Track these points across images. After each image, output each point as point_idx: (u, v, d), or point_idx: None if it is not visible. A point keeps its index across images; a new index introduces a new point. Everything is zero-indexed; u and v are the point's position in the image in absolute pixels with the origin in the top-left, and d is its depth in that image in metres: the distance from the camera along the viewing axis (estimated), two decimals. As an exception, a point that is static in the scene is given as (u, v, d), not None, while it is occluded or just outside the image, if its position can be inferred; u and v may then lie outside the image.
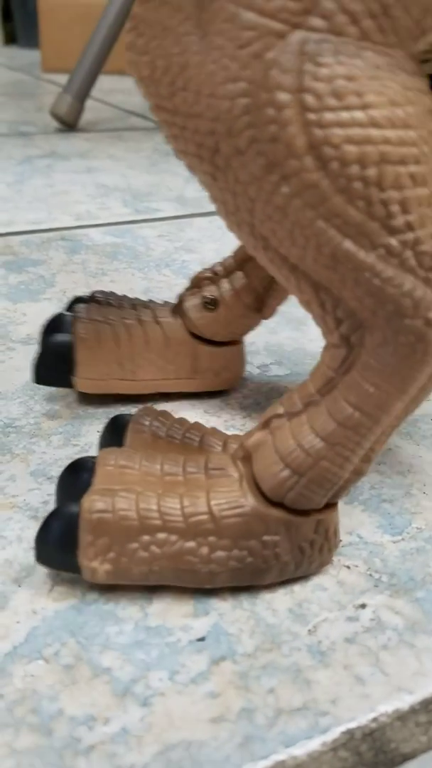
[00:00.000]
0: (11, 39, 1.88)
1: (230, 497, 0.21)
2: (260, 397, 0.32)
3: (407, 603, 0.22)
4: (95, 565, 0.20)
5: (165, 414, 0.25)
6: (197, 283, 0.31)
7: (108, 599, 0.21)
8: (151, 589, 0.22)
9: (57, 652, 0.19)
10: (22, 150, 0.78)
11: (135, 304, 0.32)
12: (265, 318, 0.31)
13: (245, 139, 0.17)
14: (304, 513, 0.21)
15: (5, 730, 0.17)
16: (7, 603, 0.21)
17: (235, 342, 0.32)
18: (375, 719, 0.18)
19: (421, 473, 0.28)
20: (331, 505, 0.22)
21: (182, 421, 0.25)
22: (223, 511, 0.20)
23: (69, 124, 0.87)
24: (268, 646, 0.20)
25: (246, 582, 0.21)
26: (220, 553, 0.20)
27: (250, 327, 0.31)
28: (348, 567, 0.23)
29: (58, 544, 0.20)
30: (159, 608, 0.21)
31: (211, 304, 0.30)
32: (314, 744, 0.18)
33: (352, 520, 0.25)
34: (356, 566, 0.23)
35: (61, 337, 0.30)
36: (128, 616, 0.21)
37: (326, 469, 0.20)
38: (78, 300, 0.33)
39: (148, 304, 0.32)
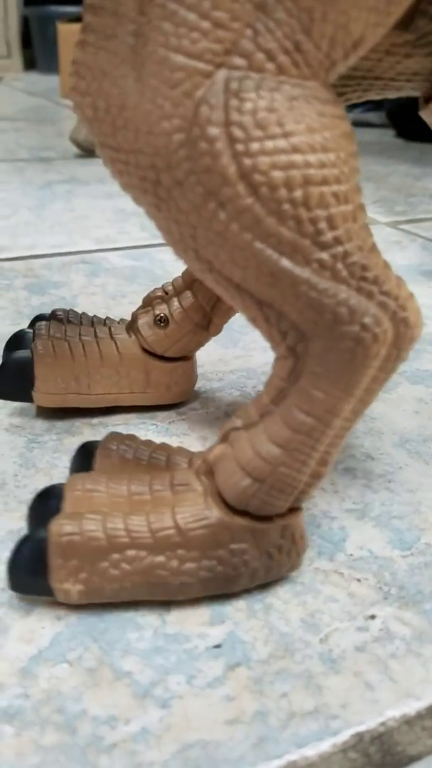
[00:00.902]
0: (31, 65, 1.92)
1: (195, 510, 0.22)
2: (274, 416, 0.34)
3: (415, 614, 0.23)
4: (68, 586, 0.21)
5: (131, 437, 0.26)
6: (149, 302, 0.33)
7: (128, 607, 0.22)
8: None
9: (80, 656, 0.20)
10: (43, 175, 0.80)
11: (93, 322, 0.33)
12: (213, 335, 0.33)
13: (183, 171, 0.18)
14: (269, 519, 0.22)
15: (32, 728, 0.18)
16: (32, 609, 0.22)
17: (187, 358, 0.33)
18: (383, 723, 0.19)
19: (429, 491, 0.29)
20: (294, 510, 0.23)
21: (149, 443, 0.25)
22: (188, 523, 0.21)
23: (88, 149, 0.89)
24: (281, 653, 0.21)
25: (218, 590, 0.22)
26: (189, 565, 0.21)
27: (199, 343, 0.33)
28: (359, 580, 0.24)
29: (30, 570, 0.21)
30: (177, 616, 0.22)
31: (161, 322, 0.32)
32: (325, 745, 0.18)
33: (363, 535, 0.26)
34: (366, 579, 0.24)
35: (21, 354, 0.31)
36: (148, 623, 0.22)
37: (285, 474, 0.21)
38: (39, 318, 0.34)
39: (106, 322, 0.33)
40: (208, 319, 0.32)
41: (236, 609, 0.22)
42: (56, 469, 0.29)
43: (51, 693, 0.19)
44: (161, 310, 0.32)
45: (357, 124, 1.24)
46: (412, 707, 0.20)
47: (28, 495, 0.27)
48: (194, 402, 0.34)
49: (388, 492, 0.28)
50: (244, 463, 0.21)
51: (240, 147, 0.18)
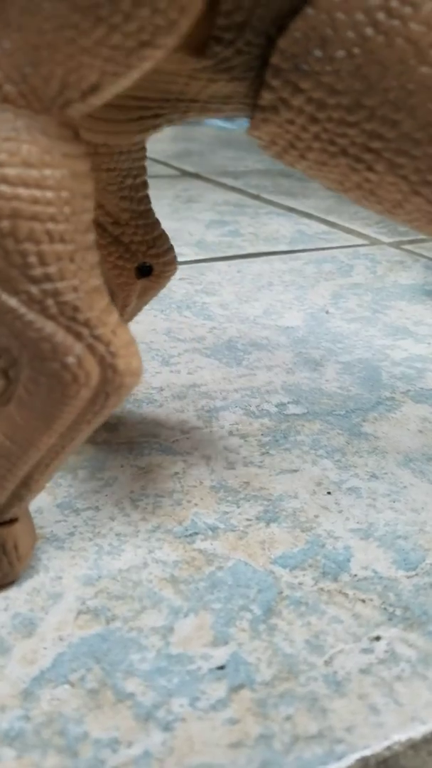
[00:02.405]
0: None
1: None
2: (278, 435, 0.34)
3: (420, 636, 0.22)
4: None
5: None
6: None
7: (131, 628, 0.22)
8: (172, 620, 0.22)
9: (82, 677, 0.20)
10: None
11: None
12: None
13: None
14: None
15: (33, 750, 0.18)
16: (34, 629, 0.22)
17: None
18: (389, 747, 0.19)
19: (435, 511, 0.28)
20: (3, 523, 0.23)
21: None
22: None
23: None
24: (285, 675, 0.21)
25: None
26: None
27: None
28: (363, 600, 0.24)
29: None
30: (180, 637, 0.22)
31: None
32: (330, 770, 0.18)
33: (368, 555, 0.26)
34: (371, 600, 0.24)
35: None
36: (151, 644, 0.22)
37: None
38: None
39: None
40: None
41: (240, 630, 0.22)
42: (59, 488, 0.29)
43: (52, 715, 0.19)
44: None
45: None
46: (418, 731, 0.19)
47: (32, 514, 0.27)
48: (198, 421, 0.34)
49: (392, 512, 0.28)
50: None
51: None
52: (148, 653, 0.21)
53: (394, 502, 0.29)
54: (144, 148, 0.29)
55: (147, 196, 0.31)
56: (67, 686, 0.20)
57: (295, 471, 0.31)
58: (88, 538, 0.26)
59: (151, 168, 1.00)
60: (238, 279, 0.56)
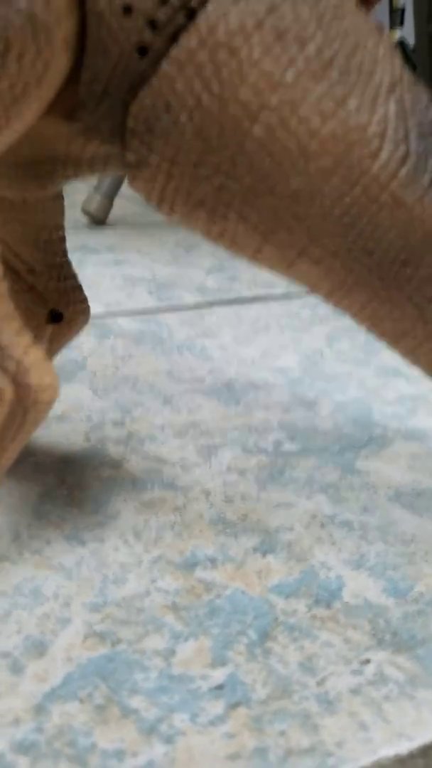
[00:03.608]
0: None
1: None
2: (274, 471, 0.35)
3: (408, 659, 0.24)
4: None
5: None
6: None
7: (135, 650, 0.24)
8: (174, 643, 0.24)
9: (90, 694, 0.22)
10: (55, 242, 0.83)
11: None
12: None
13: None
14: None
15: (45, 760, 0.19)
16: (46, 651, 0.23)
17: None
18: (377, 762, 0.20)
19: (423, 542, 0.30)
20: None
21: None
22: None
23: (99, 220, 0.94)
24: (280, 694, 0.22)
25: None
26: None
27: None
28: (354, 626, 0.25)
29: None
30: (181, 659, 0.23)
31: None
32: (321, 780, 0.19)
33: (359, 584, 0.27)
34: (362, 626, 0.25)
35: None
36: (154, 665, 0.23)
37: None
38: None
39: None
40: None
41: (237, 653, 0.24)
42: (67, 521, 0.30)
43: (63, 728, 0.20)
44: None
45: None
46: (404, 747, 0.21)
47: (41, 545, 0.29)
48: (198, 458, 0.36)
49: (383, 543, 0.30)
50: None
51: None
52: (151, 673, 0.23)
53: (384, 534, 0.31)
54: (59, 205, 0.31)
55: (63, 250, 0.33)
56: (76, 702, 0.21)
57: (291, 505, 0.32)
58: (94, 568, 0.28)
59: (153, 216, 1.04)
60: (237, 322, 0.58)
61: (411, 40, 1.72)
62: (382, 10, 1.93)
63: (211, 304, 0.63)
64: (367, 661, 0.24)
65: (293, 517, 0.32)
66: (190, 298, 0.64)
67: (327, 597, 0.27)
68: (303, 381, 0.47)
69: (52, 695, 0.22)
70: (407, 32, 1.87)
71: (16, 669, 0.22)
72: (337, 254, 0.22)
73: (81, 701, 0.21)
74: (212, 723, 0.21)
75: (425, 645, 0.24)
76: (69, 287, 0.33)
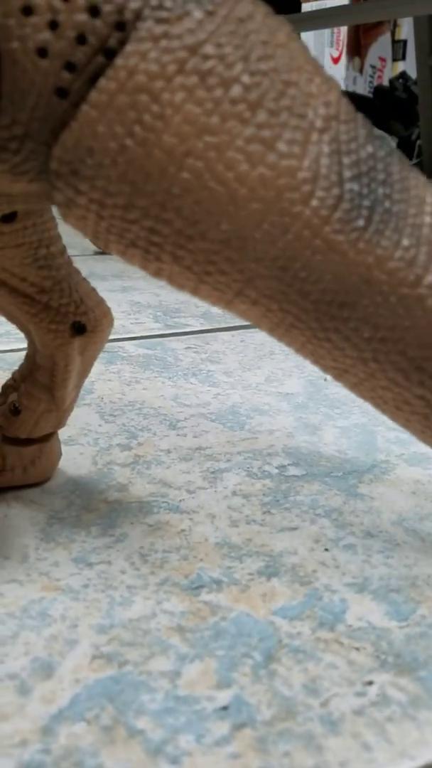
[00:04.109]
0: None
1: None
2: (279, 495, 0.36)
3: (411, 681, 0.24)
4: None
5: None
6: (5, 391, 0.35)
7: (141, 672, 0.24)
8: (179, 665, 0.24)
9: (97, 715, 0.22)
10: (63, 269, 0.85)
11: None
12: (65, 412, 0.34)
13: None
14: None
15: (53, 780, 0.20)
16: (53, 672, 0.24)
17: (47, 438, 0.35)
18: (380, 783, 0.20)
19: (425, 566, 0.30)
20: None
21: None
22: None
23: (100, 246, 0.95)
24: (284, 715, 0.22)
25: None
26: None
27: (58, 421, 0.34)
28: (357, 649, 0.25)
29: None
30: (187, 680, 0.24)
31: (14, 410, 0.34)
32: (325, 801, 0.20)
33: (363, 607, 0.28)
34: (365, 648, 0.26)
35: None
36: (159, 686, 0.23)
37: None
38: None
39: None
40: (53, 397, 0.34)
41: (242, 674, 0.24)
42: (74, 543, 0.31)
43: (70, 749, 0.21)
44: (13, 398, 0.34)
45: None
46: (407, 766, 0.21)
47: (49, 567, 0.29)
48: (203, 482, 0.37)
49: (386, 567, 0.30)
50: None
51: None
52: (157, 694, 0.23)
53: (387, 558, 0.31)
54: (50, 220, 0.32)
55: (67, 261, 0.33)
56: (83, 723, 0.22)
57: (295, 529, 0.33)
58: (101, 590, 0.28)
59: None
60: (241, 348, 0.59)
61: (413, 73, 1.75)
62: (384, 43, 1.97)
63: (216, 330, 0.64)
64: (371, 683, 0.24)
65: (297, 540, 0.32)
66: (195, 324, 0.65)
67: (331, 620, 0.27)
68: (307, 406, 0.47)
69: (59, 716, 0.22)
70: (409, 65, 1.90)
71: (24, 690, 0.23)
72: (273, 297, 0.22)
73: (88, 722, 0.22)
74: (217, 744, 0.21)
75: (427, 667, 0.25)
76: (83, 295, 0.33)
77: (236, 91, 0.20)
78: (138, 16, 0.20)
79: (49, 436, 0.35)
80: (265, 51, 0.20)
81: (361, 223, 0.21)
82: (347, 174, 0.21)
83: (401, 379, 0.23)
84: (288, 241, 0.21)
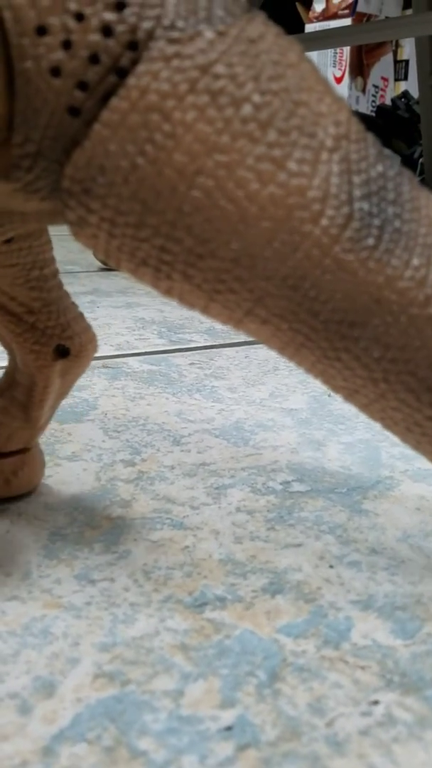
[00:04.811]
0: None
1: None
2: (283, 511, 0.35)
3: (417, 700, 0.24)
4: None
5: None
6: None
7: (144, 691, 0.24)
8: (183, 684, 0.24)
9: (99, 735, 0.22)
10: (68, 287, 0.85)
11: None
12: (39, 428, 0.35)
13: None
14: None
15: (53, 802, 0.19)
16: (54, 691, 0.23)
17: (26, 449, 0.35)
18: (386, 805, 0.20)
19: (431, 583, 0.30)
20: None
21: None
22: None
23: (111, 264, 0.96)
24: (289, 736, 0.22)
25: None
26: None
27: (29, 439, 0.35)
28: (363, 667, 0.25)
29: None
30: (190, 700, 0.23)
31: None
32: None
33: (368, 625, 0.27)
34: (370, 667, 0.25)
35: None
36: (163, 706, 0.23)
37: None
38: None
39: None
40: (28, 413, 0.34)
41: (246, 694, 0.24)
42: (77, 560, 0.31)
43: (71, 769, 0.20)
44: None
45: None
46: (414, 789, 0.21)
47: (51, 584, 0.29)
48: (207, 498, 0.37)
49: (391, 584, 0.30)
50: None
51: None
52: (160, 714, 0.23)
53: (392, 575, 0.31)
54: (46, 242, 0.32)
55: (58, 284, 0.33)
56: (84, 744, 0.21)
57: (299, 545, 0.33)
58: (103, 607, 0.28)
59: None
60: (246, 364, 0.59)
61: (415, 93, 1.76)
62: (386, 63, 1.99)
63: (220, 346, 0.64)
64: (376, 703, 0.24)
65: (302, 557, 0.32)
66: (199, 340, 0.65)
67: (335, 638, 0.27)
68: (311, 422, 0.47)
69: (61, 737, 0.22)
70: (411, 84, 1.92)
71: (24, 710, 0.23)
72: (283, 316, 0.22)
73: (89, 743, 0.21)
74: (221, 765, 0.21)
75: (435, 687, 0.24)
76: (70, 319, 0.33)
77: (247, 110, 0.20)
78: (150, 36, 0.20)
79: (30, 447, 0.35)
80: (276, 71, 0.21)
81: (371, 242, 0.21)
82: (357, 193, 0.21)
83: (412, 399, 0.22)
84: (298, 260, 0.21)
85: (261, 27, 0.21)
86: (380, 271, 0.21)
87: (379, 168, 0.21)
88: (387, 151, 0.22)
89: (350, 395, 0.24)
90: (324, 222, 0.20)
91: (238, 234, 0.20)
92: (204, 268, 0.21)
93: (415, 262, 0.21)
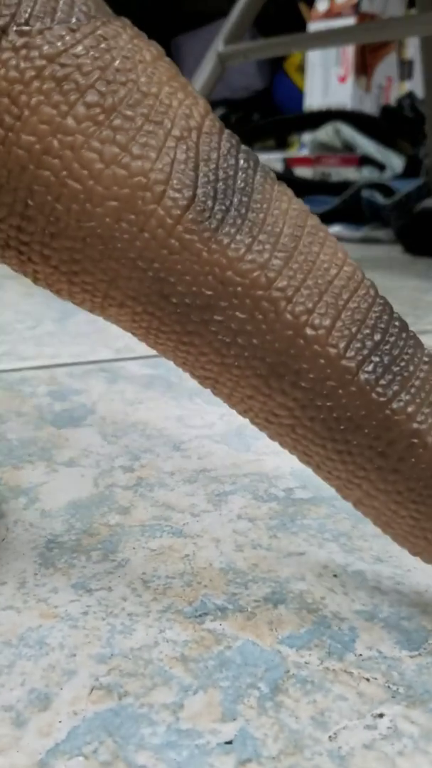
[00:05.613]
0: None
1: None
2: (286, 519, 0.35)
3: (423, 713, 0.23)
4: None
5: None
6: None
7: (142, 704, 0.23)
8: (182, 696, 0.23)
9: (95, 749, 0.21)
10: (67, 290, 0.85)
11: None
12: None
13: None
14: None
15: None
16: (50, 704, 0.23)
17: None
18: None
19: (437, 592, 0.29)
20: None
21: None
22: None
23: None
24: (291, 750, 0.21)
25: None
26: None
27: None
28: (367, 679, 0.24)
29: None
30: (190, 713, 0.23)
31: None
32: None
33: (372, 636, 0.27)
34: (375, 678, 0.24)
35: None
36: (161, 719, 0.22)
37: None
38: None
39: None
40: None
41: (248, 706, 0.23)
42: (74, 569, 0.30)
43: (67, 786, 0.20)
44: None
45: (366, 240, 1.31)
46: (421, 807, 0.20)
47: (48, 593, 0.28)
48: (208, 504, 0.36)
49: (396, 594, 0.29)
50: None
51: None
52: (159, 728, 0.22)
53: (398, 584, 0.30)
54: None
55: None
56: (81, 758, 0.21)
57: (302, 554, 0.32)
58: (101, 617, 0.27)
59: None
60: (247, 369, 0.58)
61: (419, 92, 1.76)
62: (390, 63, 1.99)
63: (221, 350, 0.63)
64: (381, 715, 0.23)
65: (305, 566, 0.31)
66: (200, 345, 0.65)
67: (339, 649, 0.26)
68: (313, 427, 0.46)
69: (56, 751, 0.21)
70: (416, 84, 1.92)
71: (19, 723, 0.22)
72: (137, 298, 0.23)
73: (86, 757, 0.21)
74: (221, 781, 0.20)
75: (441, 700, 0.24)
76: None
77: (92, 96, 0.22)
78: (4, 31, 0.22)
79: None
80: (125, 65, 0.22)
81: (213, 224, 0.22)
82: (203, 179, 0.22)
83: (263, 386, 0.23)
84: (145, 240, 0.22)
85: (118, 28, 0.22)
86: (222, 252, 0.22)
87: (231, 160, 0.23)
88: (246, 148, 0.24)
89: (214, 387, 0.25)
90: (167, 202, 0.22)
91: (87, 213, 0.22)
92: (58, 247, 0.22)
93: (258, 246, 0.22)
